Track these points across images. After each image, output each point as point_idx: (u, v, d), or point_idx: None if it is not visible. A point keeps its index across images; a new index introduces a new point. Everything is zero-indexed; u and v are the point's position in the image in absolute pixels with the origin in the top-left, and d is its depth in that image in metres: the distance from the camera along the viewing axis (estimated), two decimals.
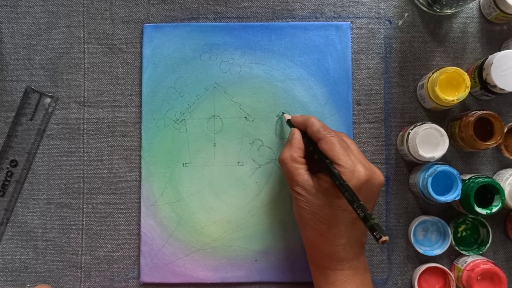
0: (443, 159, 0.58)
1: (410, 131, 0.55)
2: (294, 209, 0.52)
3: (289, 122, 0.56)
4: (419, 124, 0.55)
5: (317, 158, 0.51)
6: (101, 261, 0.59)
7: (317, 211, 0.49)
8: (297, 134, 0.53)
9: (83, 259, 0.59)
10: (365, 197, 0.49)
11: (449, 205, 0.58)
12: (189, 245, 0.58)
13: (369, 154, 0.59)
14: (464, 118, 0.54)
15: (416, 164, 0.58)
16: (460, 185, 0.53)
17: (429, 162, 0.55)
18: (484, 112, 0.53)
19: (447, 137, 0.53)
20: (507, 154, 0.57)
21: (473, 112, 0.53)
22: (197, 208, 0.59)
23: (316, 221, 0.49)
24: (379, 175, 0.50)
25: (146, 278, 0.58)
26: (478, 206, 0.53)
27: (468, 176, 0.55)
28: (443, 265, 0.57)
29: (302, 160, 0.51)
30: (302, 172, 0.50)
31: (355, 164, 0.48)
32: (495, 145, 0.53)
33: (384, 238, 0.41)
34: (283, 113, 0.59)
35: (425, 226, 0.58)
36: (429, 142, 0.54)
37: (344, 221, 0.49)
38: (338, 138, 0.50)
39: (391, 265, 0.58)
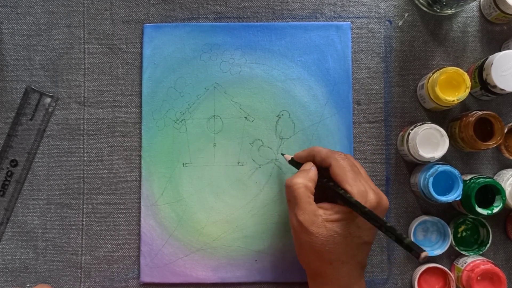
0: (443, 160, 0.58)
1: (410, 131, 0.55)
2: (297, 243, 0.51)
3: (292, 161, 0.55)
4: (419, 124, 0.55)
5: (331, 186, 0.50)
6: (101, 261, 0.59)
7: (325, 243, 0.48)
8: (314, 167, 0.51)
9: (83, 259, 0.59)
10: None
11: (449, 205, 0.58)
12: (189, 245, 0.58)
13: (369, 154, 0.59)
14: (464, 119, 0.54)
15: (417, 164, 0.58)
16: (461, 185, 0.53)
17: (429, 162, 0.55)
18: (484, 112, 0.53)
19: (447, 137, 0.53)
20: (507, 155, 0.57)
21: (473, 113, 0.53)
22: (197, 208, 0.58)
23: (324, 252, 0.48)
24: (386, 200, 0.50)
25: (146, 278, 0.58)
26: (479, 207, 0.53)
27: (469, 177, 0.55)
28: (443, 265, 0.57)
29: (314, 191, 0.50)
30: (312, 202, 0.49)
31: (367, 191, 0.48)
32: (495, 145, 0.53)
33: (424, 254, 0.40)
34: (282, 154, 0.58)
35: (425, 226, 0.58)
36: (429, 142, 0.54)
37: (353, 247, 0.49)
38: (349, 163, 0.50)
39: (391, 265, 0.58)
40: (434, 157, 0.53)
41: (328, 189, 0.50)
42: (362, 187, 0.48)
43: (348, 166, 0.49)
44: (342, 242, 0.48)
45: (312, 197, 0.50)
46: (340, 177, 0.49)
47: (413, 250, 0.41)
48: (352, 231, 0.48)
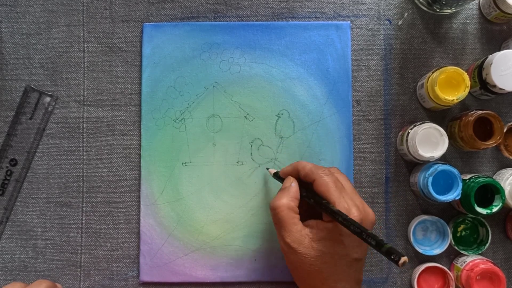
0: (443, 159, 0.58)
1: (409, 130, 0.55)
2: (288, 264, 0.51)
3: (276, 175, 0.55)
4: (418, 123, 0.55)
5: (312, 202, 0.50)
6: (100, 260, 0.59)
7: (314, 263, 0.48)
8: (295, 183, 0.51)
9: (82, 258, 0.59)
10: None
11: (448, 204, 0.58)
12: (188, 245, 0.58)
13: (369, 153, 0.59)
14: (463, 118, 0.54)
15: (417, 164, 0.58)
16: (460, 184, 0.53)
17: (428, 161, 0.55)
18: (484, 111, 0.53)
19: (446, 136, 0.53)
20: (506, 154, 0.57)
21: (473, 112, 0.53)
22: (196, 208, 0.58)
23: (314, 272, 0.48)
24: (372, 215, 0.50)
25: (145, 277, 0.58)
26: (478, 206, 0.53)
27: (468, 176, 0.55)
28: (442, 265, 0.57)
29: (297, 210, 0.50)
30: (297, 222, 0.49)
31: (350, 208, 0.48)
32: (494, 144, 0.53)
33: (403, 259, 0.40)
34: (267, 168, 0.58)
35: (424, 226, 0.58)
36: (429, 141, 0.54)
37: (343, 265, 0.48)
38: (333, 178, 0.49)
39: (390, 264, 0.58)
40: (433, 156, 0.53)
41: (313, 203, 0.50)
42: (345, 204, 0.48)
43: (332, 182, 0.49)
44: (330, 261, 0.47)
45: (297, 216, 0.49)
46: (323, 193, 0.49)
47: (393, 255, 0.40)
48: (339, 250, 0.48)
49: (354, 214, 0.47)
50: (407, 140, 0.55)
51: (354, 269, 0.49)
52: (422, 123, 0.54)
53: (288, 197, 0.50)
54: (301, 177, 0.51)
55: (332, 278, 0.48)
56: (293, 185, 0.51)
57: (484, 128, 0.54)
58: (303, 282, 0.50)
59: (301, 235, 0.48)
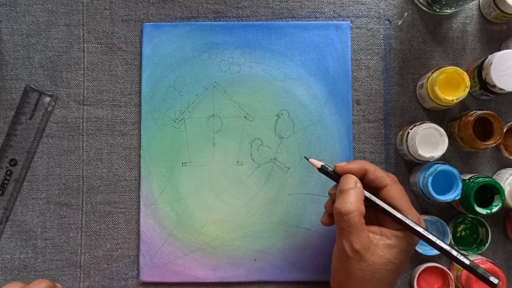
0: (442, 159, 0.58)
1: (409, 130, 0.55)
2: (342, 271, 0.47)
3: (323, 170, 0.49)
4: (418, 123, 0.55)
5: (381, 208, 0.47)
6: (100, 260, 0.59)
7: (378, 271, 0.45)
8: (360, 184, 0.47)
9: (82, 258, 0.59)
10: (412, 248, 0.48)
11: (448, 204, 0.58)
12: (188, 245, 0.58)
13: (369, 153, 0.59)
14: (463, 118, 0.54)
15: (416, 164, 0.58)
16: (460, 184, 0.53)
17: (428, 161, 0.55)
18: (484, 112, 0.53)
19: (446, 136, 0.53)
20: (506, 154, 0.57)
21: (473, 112, 0.53)
22: (196, 208, 0.58)
23: (375, 280, 0.46)
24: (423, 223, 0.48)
25: (145, 277, 0.58)
26: (478, 206, 0.53)
27: (468, 176, 0.55)
28: (442, 265, 0.57)
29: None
30: (365, 227, 0.46)
31: (420, 218, 0.47)
32: (494, 145, 0.53)
33: (496, 281, 0.43)
34: (307, 158, 0.51)
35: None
36: (429, 141, 0.54)
37: (398, 273, 0.47)
38: (402, 187, 0.48)
39: None
40: (433, 156, 0.53)
41: (377, 210, 0.48)
42: (416, 214, 0.47)
43: (403, 191, 0.47)
44: (394, 269, 0.46)
45: (364, 221, 0.46)
46: (396, 200, 0.47)
47: (486, 279, 0.44)
48: (403, 259, 0.47)
49: (422, 224, 0.47)
50: (407, 140, 0.55)
51: (397, 275, 0.48)
52: (422, 123, 0.54)
53: (359, 200, 0.46)
54: (367, 180, 0.48)
55: (387, 286, 0.47)
56: (359, 186, 0.47)
57: (483, 128, 0.54)
58: None
59: (370, 242, 0.46)
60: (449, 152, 0.58)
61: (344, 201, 0.46)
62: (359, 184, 0.47)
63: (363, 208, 0.46)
